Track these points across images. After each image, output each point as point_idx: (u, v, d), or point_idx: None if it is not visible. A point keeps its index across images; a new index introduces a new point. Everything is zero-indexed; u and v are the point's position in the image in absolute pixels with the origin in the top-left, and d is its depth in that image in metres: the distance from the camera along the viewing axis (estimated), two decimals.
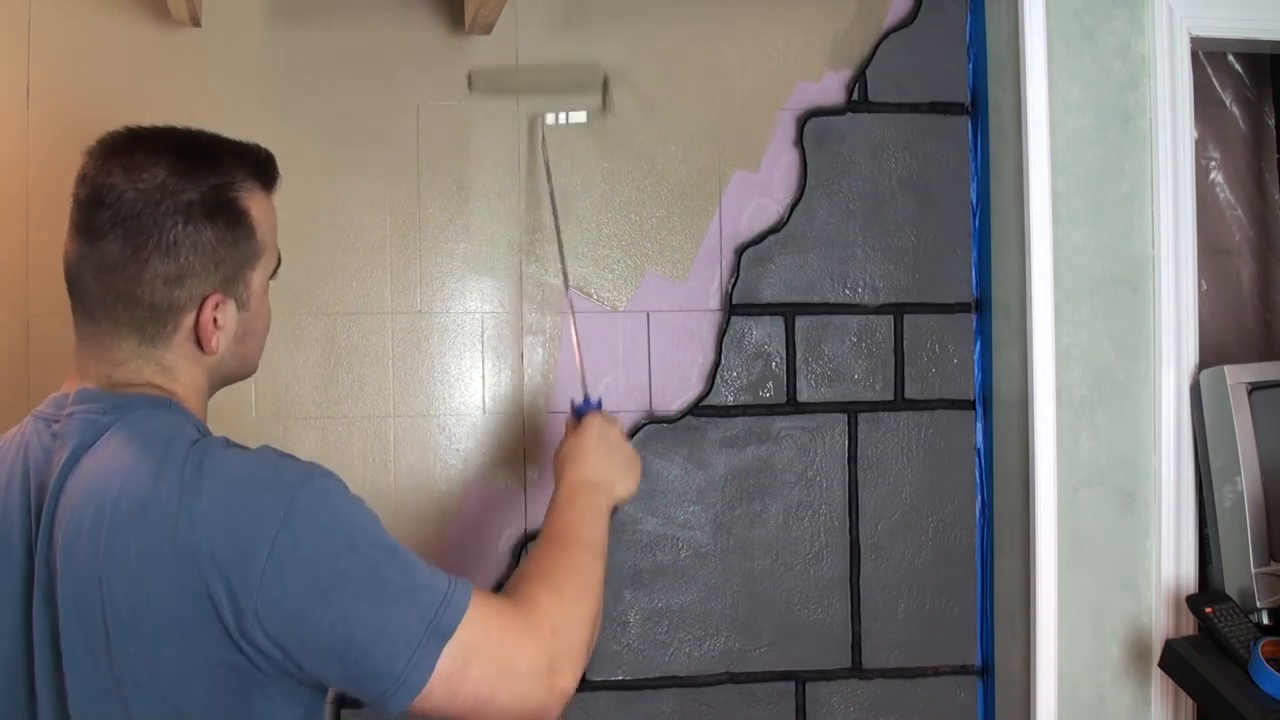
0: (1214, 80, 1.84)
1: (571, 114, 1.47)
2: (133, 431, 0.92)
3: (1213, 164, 1.84)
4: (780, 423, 1.54)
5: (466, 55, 1.49)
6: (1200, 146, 1.78)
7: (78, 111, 1.41)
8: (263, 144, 1.04)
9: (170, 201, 0.94)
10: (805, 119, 1.55)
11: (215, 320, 0.97)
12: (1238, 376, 1.46)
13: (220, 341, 0.98)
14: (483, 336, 1.49)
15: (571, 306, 1.45)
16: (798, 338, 1.55)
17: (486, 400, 1.49)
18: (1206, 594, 1.45)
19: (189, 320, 0.97)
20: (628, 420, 1.51)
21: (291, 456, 0.93)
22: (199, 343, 0.98)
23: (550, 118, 1.47)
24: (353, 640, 0.86)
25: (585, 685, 1.48)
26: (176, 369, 0.98)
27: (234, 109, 1.43)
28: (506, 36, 1.49)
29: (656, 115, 1.52)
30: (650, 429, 1.51)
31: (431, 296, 1.48)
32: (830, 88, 1.56)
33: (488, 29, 1.45)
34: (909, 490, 1.56)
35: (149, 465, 0.89)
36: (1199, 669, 1.35)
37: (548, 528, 1.12)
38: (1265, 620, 1.43)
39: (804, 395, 1.55)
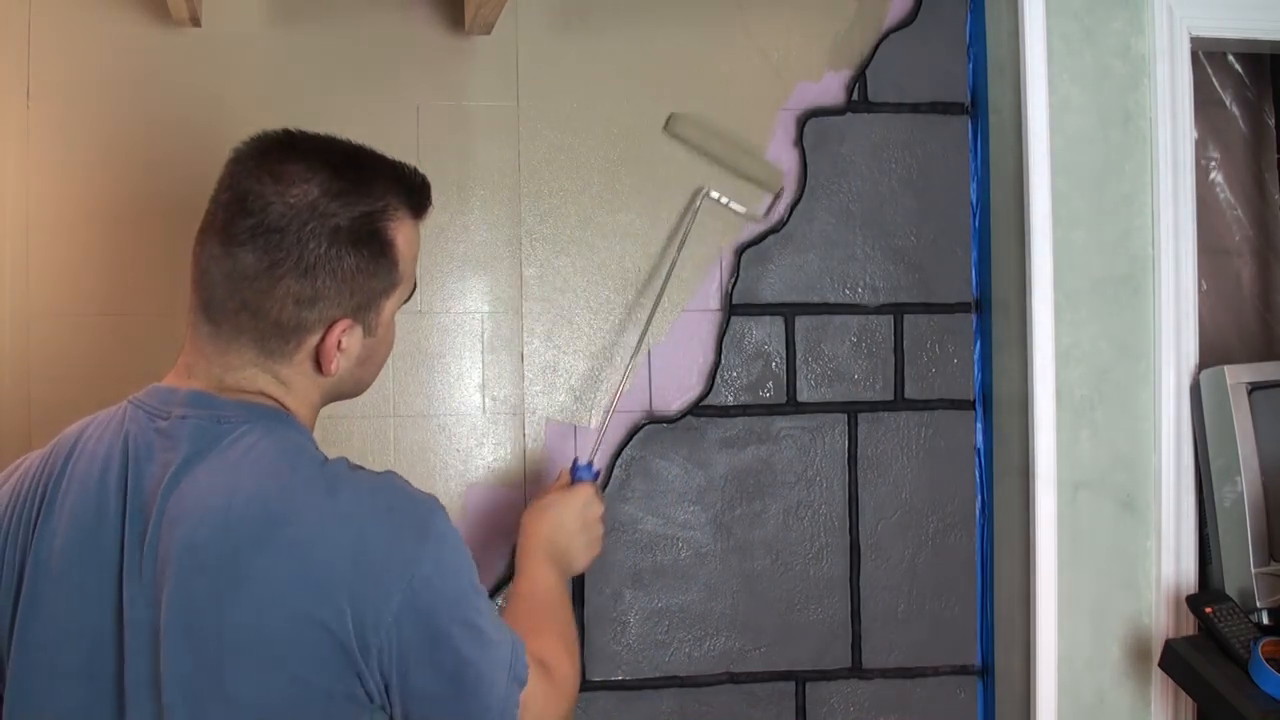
0: (1214, 80, 1.83)
1: (734, 203, 1.49)
2: (255, 446, 0.90)
3: (1213, 164, 1.84)
4: (780, 423, 1.54)
5: (466, 55, 1.49)
6: (1200, 146, 1.78)
7: (78, 111, 1.41)
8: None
9: (317, 223, 0.91)
10: (805, 119, 1.55)
11: (340, 344, 0.95)
12: (1238, 376, 1.46)
13: (340, 364, 0.96)
14: (483, 336, 1.49)
15: (626, 374, 1.44)
16: (798, 338, 1.55)
17: (486, 400, 1.49)
18: (1206, 594, 1.45)
19: (313, 341, 0.94)
20: (628, 420, 1.50)
21: (409, 484, 0.94)
22: (318, 363, 0.96)
23: (715, 194, 1.49)
24: (460, 681, 0.88)
25: (585, 685, 1.48)
26: (292, 383, 0.95)
27: (234, 109, 1.43)
28: (506, 36, 1.49)
29: (657, 115, 1.52)
30: (650, 429, 1.51)
31: (431, 296, 1.48)
32: (830, 88, 1.56)
33: (488, 29, 1.45)
34: (909, 490, 1.56)
35: (276, 484, 0.88)
36: (1199, 669, 1.35)
37: (536, 579, 1.16)
38: (1265, 620, 1.43)
39: (804, 395, 1.55)
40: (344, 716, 0.87)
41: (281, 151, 0.94)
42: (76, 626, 0.89)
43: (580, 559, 1.23)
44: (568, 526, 1.22)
